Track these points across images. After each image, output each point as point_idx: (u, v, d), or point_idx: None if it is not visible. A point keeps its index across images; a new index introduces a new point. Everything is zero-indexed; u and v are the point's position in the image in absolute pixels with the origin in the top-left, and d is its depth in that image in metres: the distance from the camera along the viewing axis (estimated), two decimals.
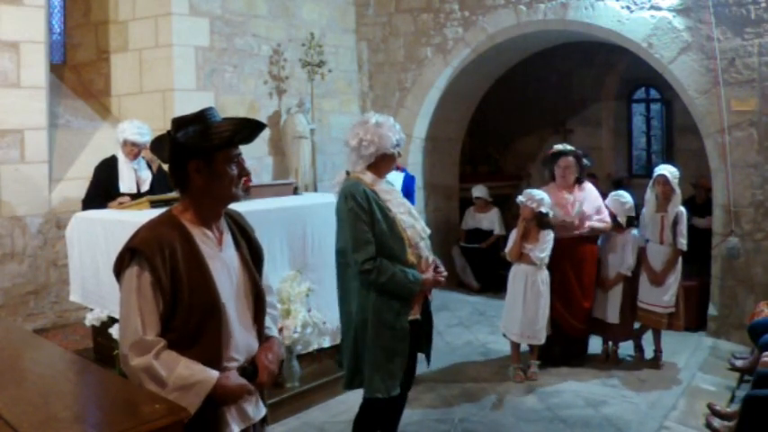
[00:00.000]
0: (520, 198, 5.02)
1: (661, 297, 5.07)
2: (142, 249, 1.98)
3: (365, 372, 3.15)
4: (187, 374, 1.94)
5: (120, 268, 2.05)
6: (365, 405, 3.29)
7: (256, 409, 2.17)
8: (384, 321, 3.09)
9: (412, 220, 3.20)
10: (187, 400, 1.91)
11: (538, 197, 4.89)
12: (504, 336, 5.10)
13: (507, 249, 5.06)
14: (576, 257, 5.09)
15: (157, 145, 2.18)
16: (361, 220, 3.04)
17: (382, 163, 3.19)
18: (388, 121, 3.19)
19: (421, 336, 3.32)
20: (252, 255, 2.24)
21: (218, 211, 2.16)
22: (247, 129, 2.12)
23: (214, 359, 2.03)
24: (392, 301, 3.09)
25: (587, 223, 5.12)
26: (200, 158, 2.05)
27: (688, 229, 5.14)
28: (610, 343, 5.31)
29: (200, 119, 2.08)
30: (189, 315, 2.00)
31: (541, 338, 4.93)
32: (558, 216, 5.04)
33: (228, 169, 2.08)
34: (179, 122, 2.09)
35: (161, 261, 1.97)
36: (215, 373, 1.99)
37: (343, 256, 3.20)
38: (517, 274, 4.97)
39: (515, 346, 5.04)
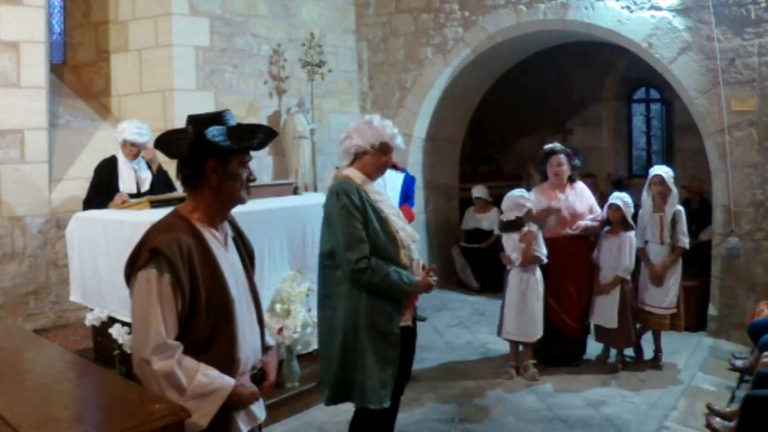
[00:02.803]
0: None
1: (663, 299, 5.06)
2: (162, 250, 1.95)
3: (356, 380, 3.04)
4: (205, 382, 1.95)
5: (133, 269, 2.02)
6: (359, 415, 3.18)
7: (260, 410, 2.22)
8: (376, 326, 3.01)
9: (402, 222, 3.17)
10: (204, 408, 1.93)
11: (503, 205, 4.97)
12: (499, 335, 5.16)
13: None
14: (569, 256, 5.06)
15: (167, 140, 2.13)
16: (354, 217, 2.96)
17: (363, 161, 3.11)
18: (381, 122, 3.14)
19: (411, 344, 3.26)
20: (248, 256, 2.28)
21: (225, 213, 2.18)
22: (264, 135, 2.15)
23: (228, 360, 2.04)
24: (384, 304, 3.01)
25: (580, 222, 5.11)
26: (218, 158, 2.06)
27: (695, 242, 5.10)
28: (613, 352, 5.22)
29: (220, 120, 2.09)
30: (205, 316, 2.00)
31: (531, 336, 4.93)
32: (553, 219, 5.08)
33: (241, 172, 2.11)
34: (199, 120, 2.08)
35: (181, 263, 1.96)
36: (231, 381, 2.01)
37: (329, 258, 3.08)
38: (508, 274, 5.03)
39: (513, 344, 5.07)
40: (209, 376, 1.97)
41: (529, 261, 4.87)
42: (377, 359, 3.01)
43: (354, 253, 2.94)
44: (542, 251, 4.90)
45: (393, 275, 2.98)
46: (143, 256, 1.98)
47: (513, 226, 4.89)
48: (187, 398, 1.92)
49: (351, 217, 2.96)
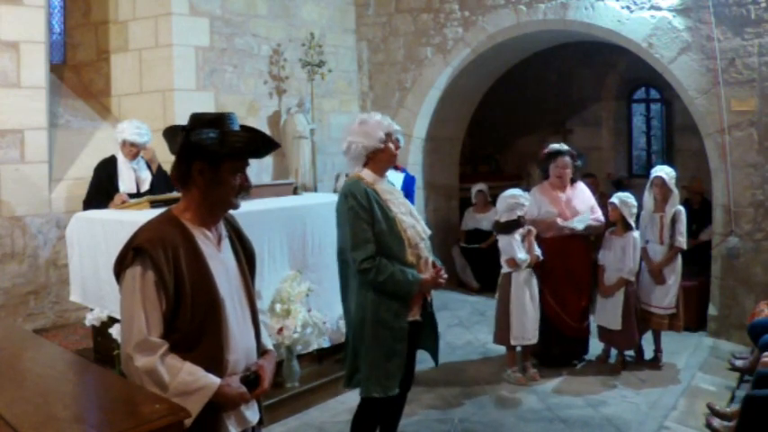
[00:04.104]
0: None
1: (662, 299, 5.06)
2: (146, 248, 1.97)
3: (362, 371, 3.17)
4: (190, 380, 1.95)
5: (121, 268, 2.04)
6: (362, 404, 3.29)
7: (253, 413, 2.19)
8: (382, 321, 3.10)
9: (413, 220, 3.21)
10: (187, 406, 1.90)
11: (499, 205, 4.94)
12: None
13: None
14: (569, 256, 5.05)
15: (170, 134, 2.14)
16: (361, 218, 3.05)
17: (377, 159, 3.18)
18: (373, 117, 3.20)
19: (421, 336, 3.33)
20: (246, 259, 2.26)
21: (216, 215, 2.16)
22: (261, 145, 2.14)
23: (216, 359, 2.03)
24: (390, 301, 3.10)
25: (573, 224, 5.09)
26: (207, 162, 2.05)
27: (695, 242, 5.06)
28: (614, 352, 5.20)
29: (219, 123, 2.07)
30: (191, 314, 2.00)
31: (534, 338, 4.86)
32: (553, 214, 5.07)
33: (232, 179, 2.09)
34: (197, 121, 2.08)
35: (165, 260, 1.97)
36: (216, 380, 2.00)
37: (343, 254, 3.21)
38: (507, 277, 4.95)
39: (512, 349, 5.00)
40: (193, 374, 1.96)
41: (534, 261, 4.87)
42: (382, 353, 3.10)
43: (359, 253, 3.04)
44: (538, 251, 4.90)
45: (397, 275, 3.06)
46: (128, 255, 2.00)
47: (514, 226, 4.85)
48: (169, 395, 1.91)
49: (357, 218, 3.05)
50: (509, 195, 4.92)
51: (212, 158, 2.05)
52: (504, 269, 4.91)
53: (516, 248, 4.81)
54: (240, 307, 2.16)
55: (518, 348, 5.04)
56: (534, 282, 4.89)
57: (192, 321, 2.00)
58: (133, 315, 1.96)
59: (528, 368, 4.98)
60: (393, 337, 3.11)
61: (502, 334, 4.93)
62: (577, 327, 5.16)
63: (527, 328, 4.83)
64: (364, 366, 3.14)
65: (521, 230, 4.85)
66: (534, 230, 4.92)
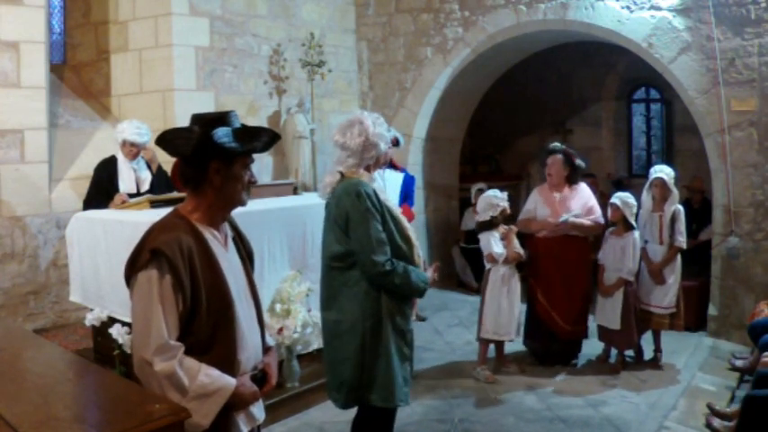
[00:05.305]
0: None
1: (662, 298, 5.07)
2: (163, 251, 1.94)
3: (378, 381, 2.95)
4: (207, 382, 1.95)
5: (133, 270, 2.00)
6: (378, 415, 3.07)
7: (260, 411, 2.21)
8: (396, 326, 2.98)
9: (405, 221, 3.16)
10: (206, 409, 1.92)
11: (478, 206, 5.06)
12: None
13: None
14: (562, 257, 5.03)
15: (170, 137, 2.09)
16: (377, 219, 2.91)
17: (377, 162, 3.11)
18: (378, 118, 3.11)
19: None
20: (247, 256, 2.28)
21: (225, 214, 2.17)
22: (268, 138, 2.15)
23: (229, 360, 2.04)
24: (402, 304, 3.01)
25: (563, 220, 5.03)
26: (223, 160, 2.06)
27: (695, 242, 5.07)
28: (614, 352, 5.20)
29: (226, 121, 2.08)
30: (206, 317, 2.00)
31: (509, 335, 4.91)
32: (545, 215, 5.09)
33: (243, 175, 2.11)
34: (204, 120, 2.07)
35: (182, 263, 1.95)
36: (233, 381, 2.01)
37: (338, 259, 2.98)
38: (488, 274, 5.06)
39: (484, 346, 5.00)
40: (210, 376, 1.96)
41: (512, 258, 4.90)
42: (398, 358, 2.99)
43: (381, 255, 2.88)
44: (519, 249, 4.95)
45: (413, 276, 2.96)
46: (143, 257, 1.97)
47: (489, 225, 4.94)
48: (189, 398, 1.91)
49: (374, 219, 2.90)
50: (486, 196, 5.05)
51: (229, 156, 2.06)
52: (486, 265, 5.02)
53: (493, 244, 4.90)
54: (247, 305, 2.17)
55: (505, 344, 5.04)
56: (514, 280, 4.92)
57: (208, 324, 2.00)
58: (150, 319, 1.92)
59: (506, 364, 5.02)
60: (405, 342, 3.02)
61: (478, 329, 5.03)
62: (570, 330, 5.11)
63: (500, 323, 4.88)
64: (384, 376, 2.94)
65: (501, 228, 4.94)
66: (515, 228, 4.98)
